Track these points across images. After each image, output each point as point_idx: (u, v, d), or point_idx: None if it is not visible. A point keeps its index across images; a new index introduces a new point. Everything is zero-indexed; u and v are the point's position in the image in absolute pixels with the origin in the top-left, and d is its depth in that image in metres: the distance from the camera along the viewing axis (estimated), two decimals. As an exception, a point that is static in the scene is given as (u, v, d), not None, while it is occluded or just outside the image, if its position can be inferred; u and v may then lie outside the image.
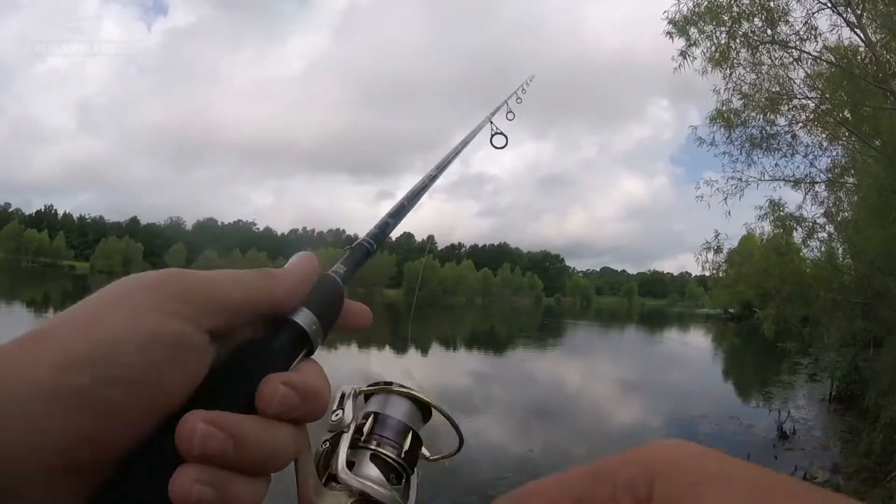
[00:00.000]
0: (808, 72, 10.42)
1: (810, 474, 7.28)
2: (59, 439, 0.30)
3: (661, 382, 16.82)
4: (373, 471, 0.46)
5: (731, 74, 10.74)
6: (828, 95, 10.17)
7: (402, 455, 0.49)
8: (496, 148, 0.92)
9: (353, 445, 0.47)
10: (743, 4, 10.16)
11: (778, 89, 10.69)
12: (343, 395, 0.49)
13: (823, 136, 11.07)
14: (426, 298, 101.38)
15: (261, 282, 0.39)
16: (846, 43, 9.85)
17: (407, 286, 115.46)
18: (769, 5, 10.02)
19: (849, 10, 9.43)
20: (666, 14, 10.64)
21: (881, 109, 9.16)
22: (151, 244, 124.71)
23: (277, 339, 0.39)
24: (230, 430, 0.33)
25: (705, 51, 10.62)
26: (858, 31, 9.48)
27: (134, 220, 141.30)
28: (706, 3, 10.31)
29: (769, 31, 10.25)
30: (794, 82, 10.61)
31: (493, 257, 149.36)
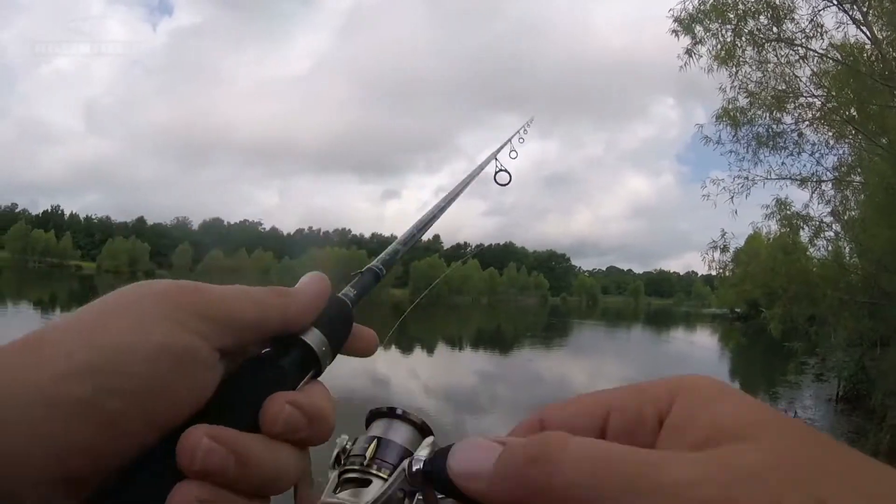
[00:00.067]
0: (815, 70, 10.41)
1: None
2: (59, 446, 0.29)
3: (667, 382, 16.77)
4: (372, 496, 0.47)
5: (737, 72, 10.74)
6: (834, 93, 10.15)
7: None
8: (500, 185, 0.93)
9: (356, 471, 0.50)
10: (748, 2, 10.16)
11: (784, 87, 10.66)
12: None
13: (830, 134, 11.05)
14: (432, 298, 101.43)
15: (274, 300, 0.38)
16: (852, 40, 9.85)
17: (413, 286, 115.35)
18: (775, 3, 10.02)
19: (854, 7, 9.41)
20: (671, 12, 10.65)
21: (887, 107, 9.13)
22: (158, 244, 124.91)
23: (286, 357, 0.38)
24: (233, 446, 0.32)
25: (711, 49, 10.64)
26: (864, 28, 9.46)
27: (140, 221, 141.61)
28: (711, 0, 10.29)
29: (775, 29, 10.23)
30: (801, 80, 10.60)
31: (498, 257, 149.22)
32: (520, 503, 0.26)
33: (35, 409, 0.29)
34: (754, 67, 10.68)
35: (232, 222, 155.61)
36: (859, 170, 11.08)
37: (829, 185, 11.30)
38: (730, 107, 11.07)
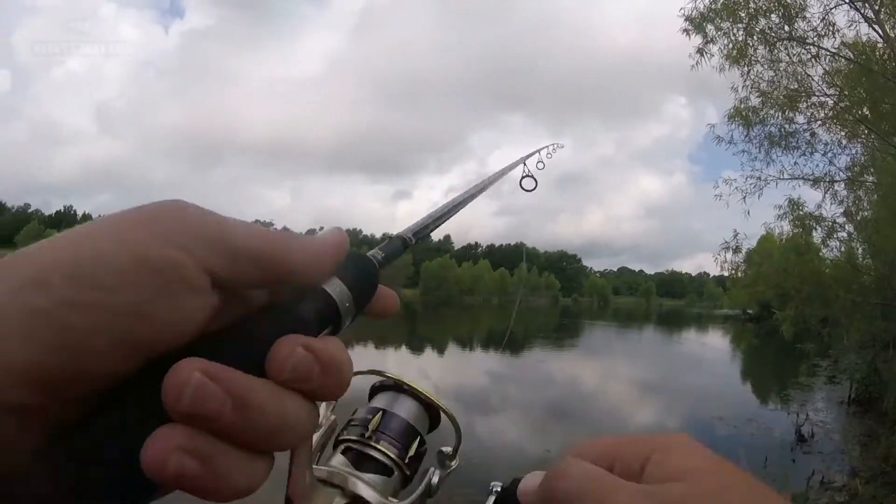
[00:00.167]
0: (827, 68, 10.32)
1: (828, 478, 7.20)
2: (12, 369, 0.25)
3: (678, 383, 16.69)
4: (373, 477, 0.44)
5: (748, 72, 10.66)
6: (846, 92, 10.07)
7: (407, 458, 0.47)
8: (525, 191, 0.95)
9: (356, 442, 0.46)
10: (760, 1, 10.09)
11: (796, 86, 10.58)
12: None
13: (842, 133, 10.92)
14: (442, 298, 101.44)
15: (280, 236, 0.34)
16: (864, 39, 9.76)
17: (424, 286, 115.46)
18: (786, 1, 9.94)
19: (866, 5, 9.34)
20: (682, 11, 10.61)
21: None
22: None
23: (302, 305, 0.33)
24: (231, 387, 0.27)
25: (722, 48, 10.57)
26: (877, 26, 9.38)
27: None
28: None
29: (786, 28, 10.16)
30: (813, 79, 10.51)
31: (509, 257, 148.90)
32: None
33: None
34: (766, 66, 10.60)
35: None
36: (872, 170, 10.98)
37: (842, 186, 11.18)
38: (742, 106, 10.99)
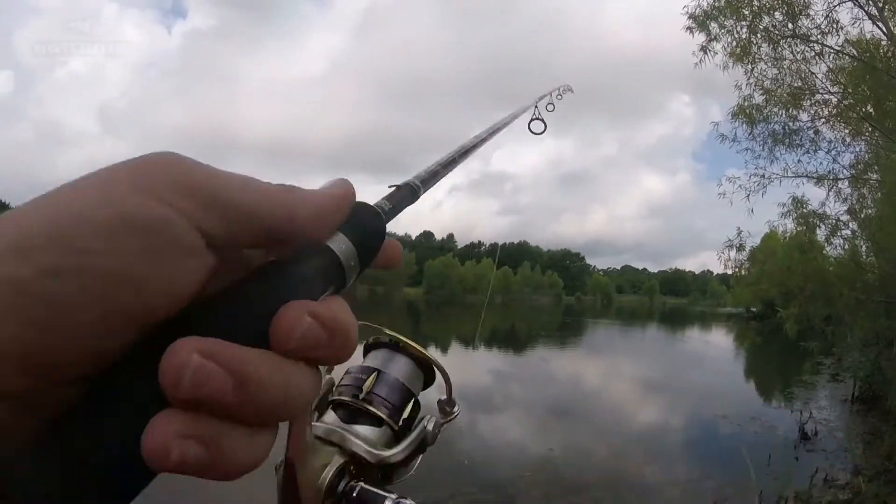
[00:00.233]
0: (830, 66, 10.29)
1: (831, 476, 7.19)
2: None
3: (682, 382, 16.67)
4: (366, 430, 0.44)
5: (752, 69, 10.66)
6: (850, 90, 10.03)
7: (401, 420, 0.47)
8: (534, 133, 0.94)
9: (350, 402, 0.46)
10: (763, -2, 10.07)
11: (800, 84, 10.56)
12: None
13: (846, 131, 10.90)
14: (445, 297, 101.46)
15: (280, 192, 0.31)
16: (868, 36, 9.72)
17: (427, 285, 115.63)
18: (790, -1, 9.93)
19: (870, 2, 9.31)
20: (686, 9, 10.59)
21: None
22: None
23: (306, 263, 0.31)
24: (232, 366, 0.25)
25: (726, 46, 10.58)
26: (881, 24, 9.35)
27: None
28: (726, -3, 10.24)
29: (790, 26, 10.14)
30: (817, 77, 10.49)
31: (512, 256, 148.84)
32: None
33: None
34: (770, 64, 10.59)
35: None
36: (876, 167, 10.94)
37: (846, 183, 11.15)
38: (745, 104, 10.98)
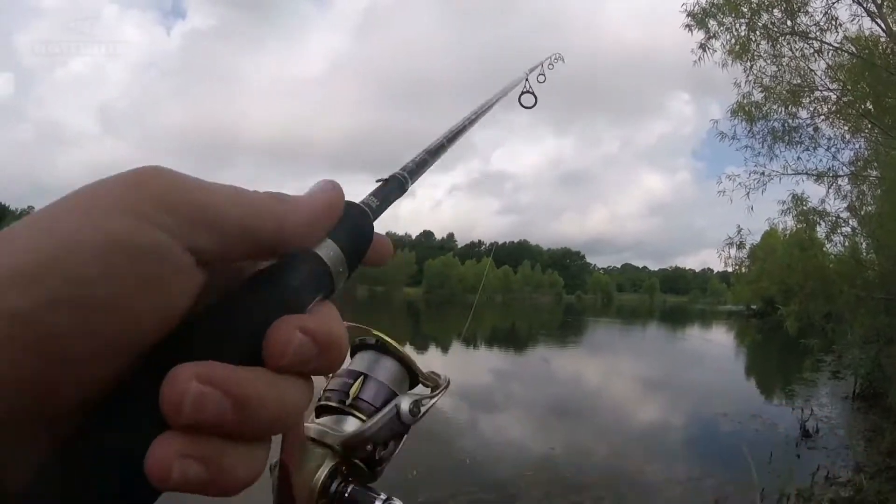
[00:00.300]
0: (830, 63, 10.27)
1: (833, 473, 7.19)
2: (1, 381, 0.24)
3: (682, 380, 16.69)
4: (352, 425, 0.45)
5: (751, 67, 10.64)
6: (849, 87, 10.02)
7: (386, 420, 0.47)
8: (524, 107, 0.91)
9: (337, 408, 0.46)
10: (762, -4, 10.06)
11: (799, 81, 10.54)
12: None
13: (846, 128, 10.87)
14: (445, 296, 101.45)
15: (269, 202, 0.31)
16: (867, 33, 9.71)
17: (427, 284, 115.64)
18: (789, -4, 9.92)
19: (869, -1, 9.31)
20: (685, 6, 10.58)
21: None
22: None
23: (295, 273, 0.31)
24: (229, 388, 0.26)
25: (725, 43, 10.56)
26: (879, 21, 9.35)
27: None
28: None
29: (789, 22, 10.13)
30: (816, 74, 10.47)
31: (513, 254, 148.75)
32: None
33: None
34: (769, 62, 10.57)
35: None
36: (876, 164, 10.93)
37: (846, 181, 11.12)
38: (745, 101, 10.95)
